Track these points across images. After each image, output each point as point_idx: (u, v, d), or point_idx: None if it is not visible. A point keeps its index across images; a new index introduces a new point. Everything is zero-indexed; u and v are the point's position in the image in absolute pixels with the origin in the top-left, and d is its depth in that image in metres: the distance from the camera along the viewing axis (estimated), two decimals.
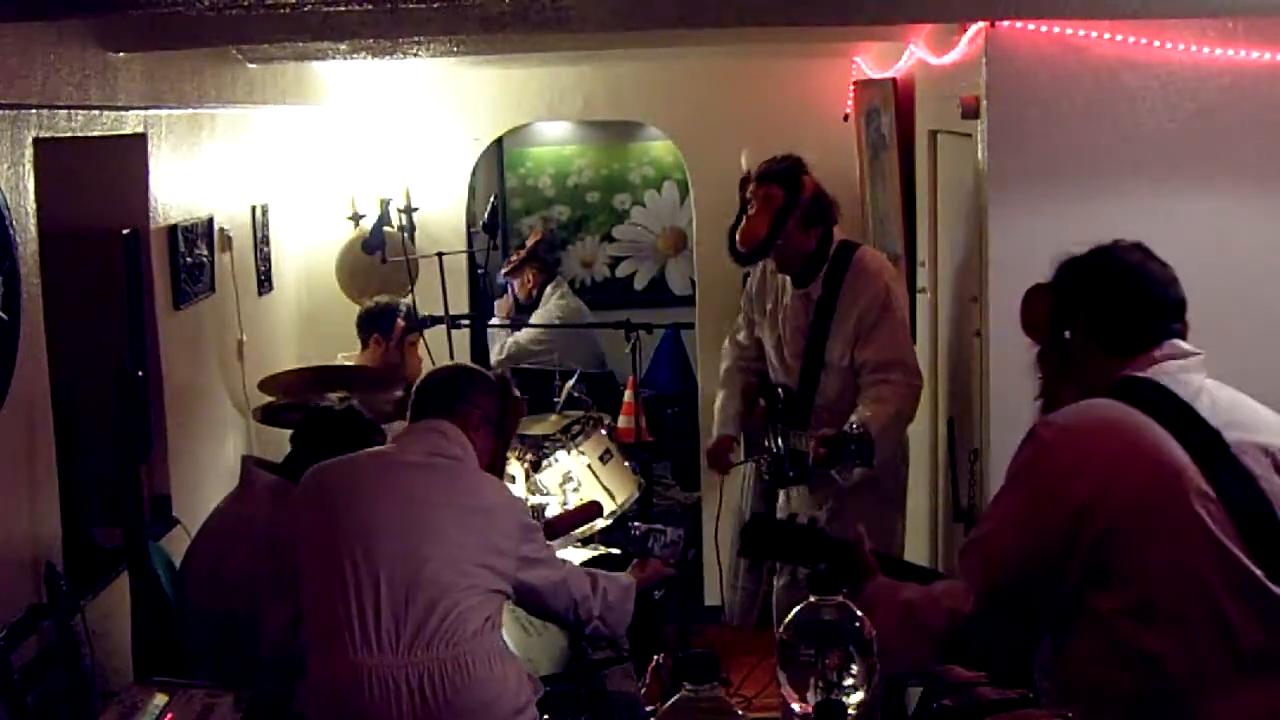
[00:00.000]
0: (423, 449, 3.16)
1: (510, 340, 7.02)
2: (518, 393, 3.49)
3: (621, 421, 5.53)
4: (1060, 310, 2.42)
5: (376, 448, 3.35)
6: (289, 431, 3.79)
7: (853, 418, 4.01)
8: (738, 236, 4.31)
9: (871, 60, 5.61)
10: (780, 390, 4.42)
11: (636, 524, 3.83)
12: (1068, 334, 2.41)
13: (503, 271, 7.33)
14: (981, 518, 2.34)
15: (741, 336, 4.73)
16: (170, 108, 4.01)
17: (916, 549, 5.09)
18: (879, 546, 4.32)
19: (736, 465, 4.78)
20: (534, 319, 7.04)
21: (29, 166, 3.10)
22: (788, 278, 4.39)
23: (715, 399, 4.82)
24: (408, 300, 5.34)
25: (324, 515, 3.07)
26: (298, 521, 3.13)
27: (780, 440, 4.41)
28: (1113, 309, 2.39)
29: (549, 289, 7.24)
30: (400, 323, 5.16)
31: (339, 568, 2.95)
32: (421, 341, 5.31)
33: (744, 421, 4.66)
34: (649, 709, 3.63)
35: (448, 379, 3.38)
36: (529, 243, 7.44)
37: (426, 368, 5.07)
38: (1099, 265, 2.42)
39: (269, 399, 4.55)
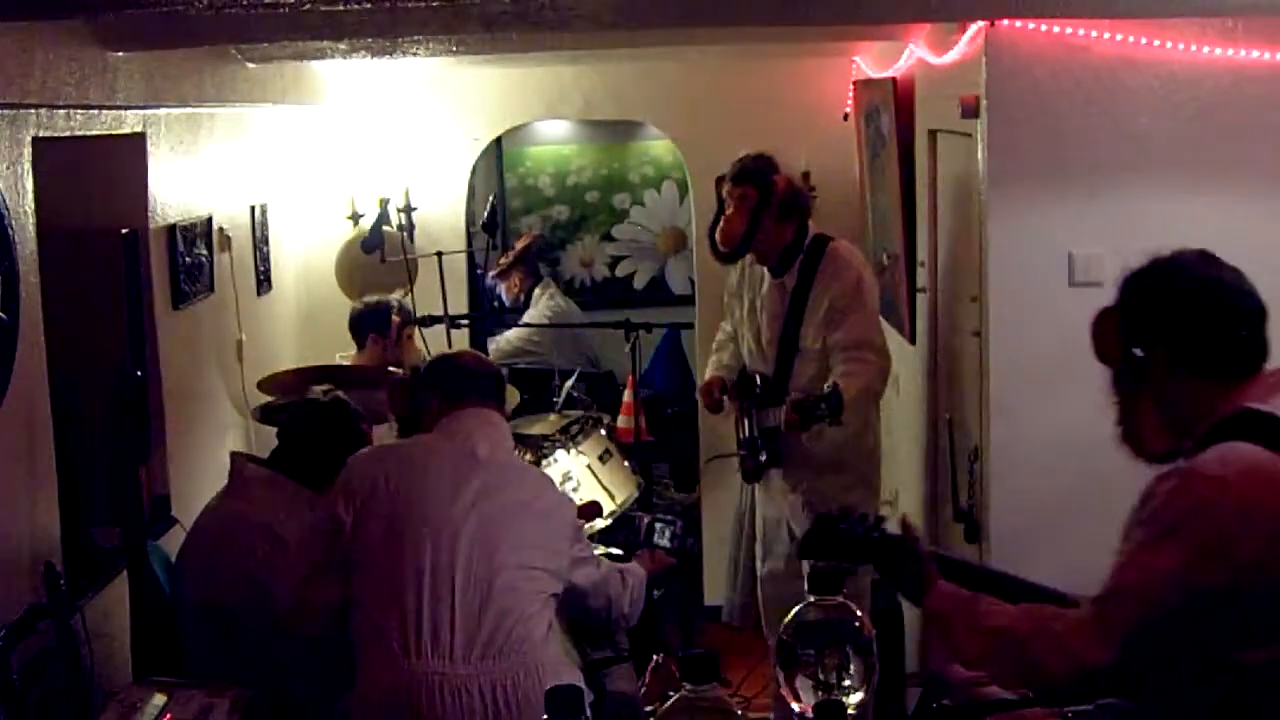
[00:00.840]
0: (490, 443, 3.07)
1: (502, 338, 7.01)
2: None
3: (621, 421, 5.53)
4: (1128, 331, 2.29)
5: (442, 434, 3.14)
6: None
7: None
8: (717, 236, 4.48)
9: (871, 60, 5.60)
10: (757, 377, 4.54)
11: (640, 514, 3.82)
12: (1139, 352, 2.27)
13: (491, 274, 7.32)
14: (1122, 565, 2.15)
15: (729, 326, 4.89)
16: (169, 107, 4.01)
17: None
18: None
19: (729, 455, 4.84)
20: (525, 320, 7.05)
21: (28, 166, 3.10)
22: (765, 269, 4.53)
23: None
24: (396, 296, 5.35)
25: (394, 509, 2.96)
26: (363, 509, 2.98)
27: (754, 427, 4.54)
28: (1196, 327, 2.24)
29: (538, 290, 7.24)
30: (395, 318, 5.17)
31: (411, 567, 2.86)
32: (418, 332, 5.31)
33: (734, 376, 4.74)
34: (649, 709, 3.63)
35: (485, 367, 3.32)
36: (518, 245, 7.44)
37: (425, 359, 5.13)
38: (1169, 280, 2.28)
39: (268, 399, 4.54)
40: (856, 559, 2.39)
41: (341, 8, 3.11)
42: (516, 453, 4.62)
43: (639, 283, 8.44)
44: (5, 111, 2.97)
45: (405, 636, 2.84)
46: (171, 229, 4.14)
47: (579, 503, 4.51)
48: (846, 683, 2.07)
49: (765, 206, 4.35)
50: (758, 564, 4.76)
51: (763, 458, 4.53)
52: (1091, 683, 2.17)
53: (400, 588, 2.87)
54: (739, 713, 1.95)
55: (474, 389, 3.18)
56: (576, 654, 3.59)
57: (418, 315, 5.30)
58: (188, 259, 4.26)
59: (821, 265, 4.41)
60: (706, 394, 4.75)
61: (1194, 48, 3.87)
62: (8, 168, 3.00)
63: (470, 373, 3.24)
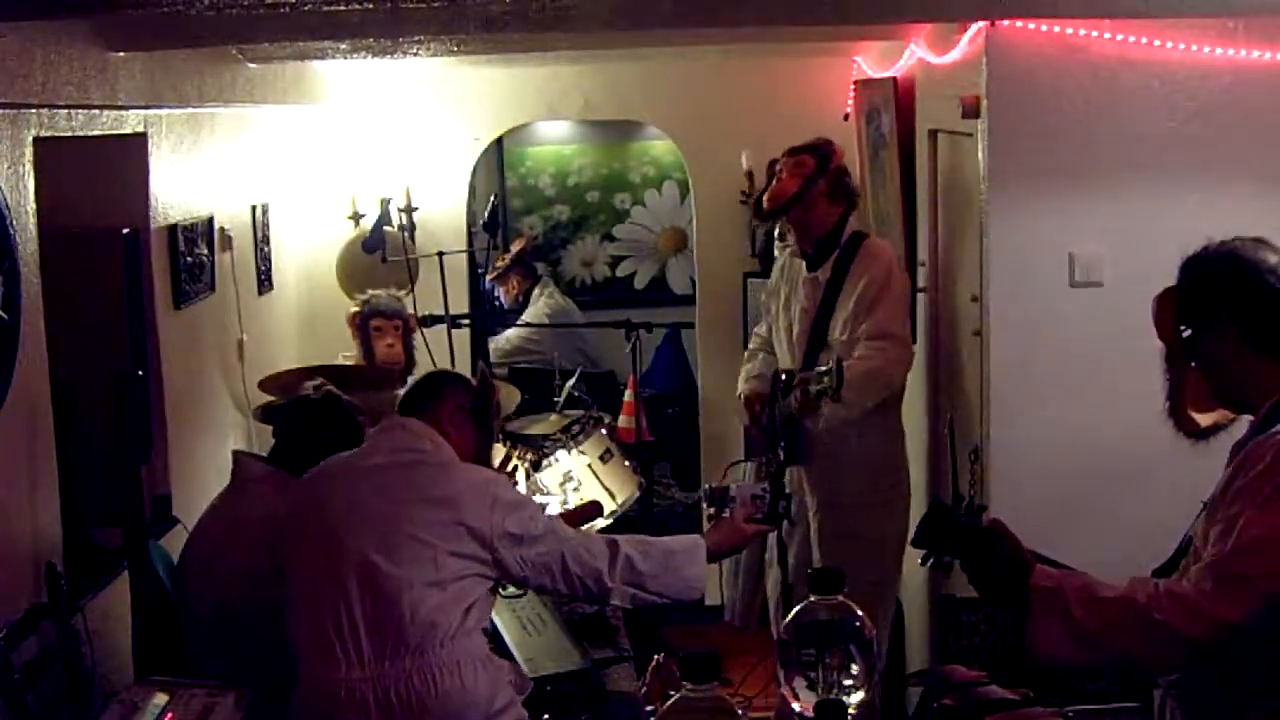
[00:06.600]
0: (387, 447, 3.12)
1: (502, 337, 7.02)
2: (496, 383, 3.43)
3: (622, 421, 5.53)
4: (1185, 309, 2.38)
5: (346, 453, 3.26)
6: None
7: None
8: (766, 196, 4.51)
9: (872, 60, 5.61)
10: (783, 374, 4.51)
11: (737, 484, 3.64)
12: (1193, 331, 2.36)
13: (488, 278, 7.33)
14: (1243, 526, 2.17)
15: (762, 329, 4.87)
16: (170, 107, 4.01)
17: (915, 549, 5.09)
18: (878, 541, 4.38)
19: (736, 463, 4.81)
20: (524, 319, 7.06)
21: (29, 166, 3.10)
22: (803, 265, 4.54)
23: (735, 385, 4.85)
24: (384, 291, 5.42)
25: (303, 529, 3.08)
26: (286, 530, 3.13)
27: (775, 420, 4.48)
28: (1264, 305, 2.32)
29: (536, 290, 7.26)
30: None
31: (316, 582, 2.95)
32: (419, 331, 5.37)
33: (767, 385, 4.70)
34: (649, 709, 3.62)
35: (420, 381, 3.38)
36: (514, 248, 7.45)
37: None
38: (1231, 261, 2.37)
39: (269, 398, 4.54)
40: (964, 548, 2.37)
41: (342, 8, 3.11)
42: (516, 459, 4.62)
43: (640, 283, 8.45)
44: (6, 111, 2.97)
45: (315, 647, 2.92)
46: (173, 229, 4.14)
47: (580, 502, 4.53)
48: (847, 682, 2.07)
49: (821, 173, 4.38)
50: (767, 561, 4.73)
51: (781, 456, 4.49)
52: (1222, 645, 2.17)
53: (310, 602, 2.96)
54: (739, 713, 1.95)
55: (403, 405, 3.24)
56: (577, 653, 3.60)
57: (419, 315, 5.31)
58: (189, 259, 4.26)
59: (855, 259, 4.42)
60: (748, 407, 4.68)
61: (1194, 48, 3.87)
62: (9, 168, 3.00)
63: (406, 393, 3.31)
